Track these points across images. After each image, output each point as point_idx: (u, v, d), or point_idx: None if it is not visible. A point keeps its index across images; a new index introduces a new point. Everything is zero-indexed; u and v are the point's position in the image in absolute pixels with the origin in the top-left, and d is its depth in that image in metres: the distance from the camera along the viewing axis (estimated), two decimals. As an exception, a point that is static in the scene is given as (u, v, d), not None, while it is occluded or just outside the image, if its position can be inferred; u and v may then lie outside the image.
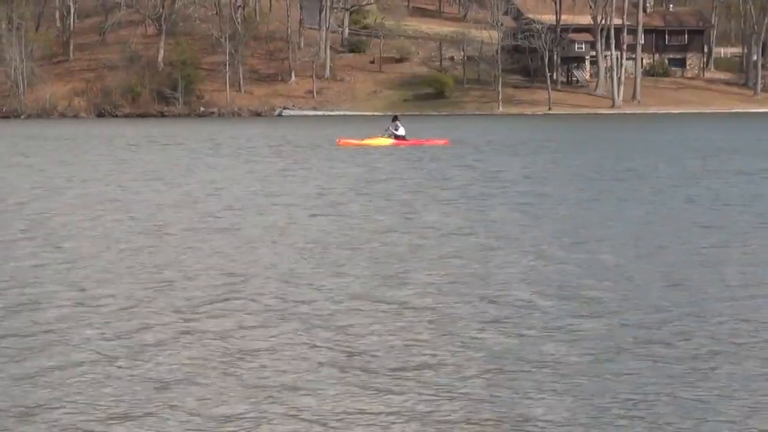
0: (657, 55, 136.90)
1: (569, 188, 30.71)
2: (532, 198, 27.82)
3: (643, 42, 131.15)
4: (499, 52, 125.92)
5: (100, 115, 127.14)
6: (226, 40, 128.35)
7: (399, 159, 43.95)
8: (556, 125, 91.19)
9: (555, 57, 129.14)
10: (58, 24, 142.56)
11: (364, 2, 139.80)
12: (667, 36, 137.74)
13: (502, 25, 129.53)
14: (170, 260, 17.58)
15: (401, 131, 53.23)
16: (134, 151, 54.11)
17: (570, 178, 34.68)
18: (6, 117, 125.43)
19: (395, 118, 56.08)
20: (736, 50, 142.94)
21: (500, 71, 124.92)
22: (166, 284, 15.35)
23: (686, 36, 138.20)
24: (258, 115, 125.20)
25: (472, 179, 34.00)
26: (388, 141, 53.00)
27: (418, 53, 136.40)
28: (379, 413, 9.27)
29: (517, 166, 40.54)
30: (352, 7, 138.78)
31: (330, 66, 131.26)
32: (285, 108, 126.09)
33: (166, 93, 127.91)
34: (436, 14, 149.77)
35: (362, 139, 54.15)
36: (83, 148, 57.26)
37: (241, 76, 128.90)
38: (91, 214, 24.74)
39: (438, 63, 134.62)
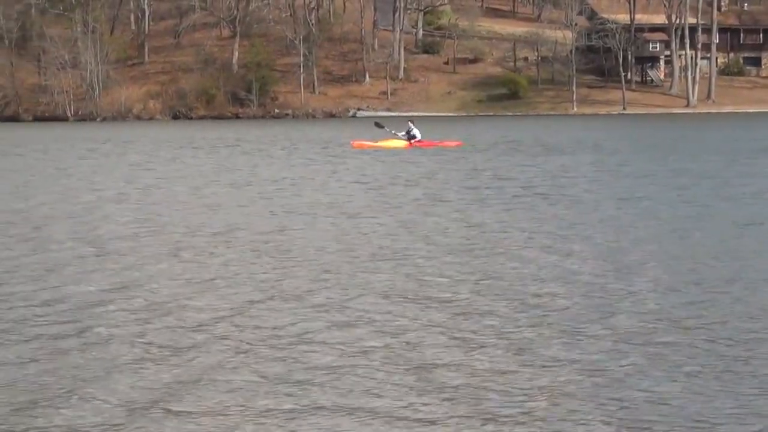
0: (732, 54, 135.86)
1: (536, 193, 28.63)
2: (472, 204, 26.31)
3: (717, 41, 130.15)
4: (573, 52, 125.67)
5: (175, 117, 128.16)
6: (300, 42, 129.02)
7: (397, 161, 43.29)
8: (623, 125, 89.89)
9: (629, 57, 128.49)
10: (133, 27, 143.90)
11: (438, 3, 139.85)
12: (741, 35, 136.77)
13: (576, 25, 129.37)
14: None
15: (414, 133, 53.43)
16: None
17: (546, 182, 32.35)
18: (82, 120, 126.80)
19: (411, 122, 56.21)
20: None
21: (574, 71, 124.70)
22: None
23: (761, 35, 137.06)
24: (332, 116, 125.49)
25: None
26: (402, 143, 53.08)
27: (492, 54, 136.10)
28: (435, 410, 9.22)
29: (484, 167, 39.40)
30: (425, 8, 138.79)
31: (404, 67, 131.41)
32: (359, 109, 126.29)
33: (241, 95, 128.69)
34: (509, 14, 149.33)
35: (376, 141, 54.33)
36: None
37: (315, 77, 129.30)
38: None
39: (512, 63, 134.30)
